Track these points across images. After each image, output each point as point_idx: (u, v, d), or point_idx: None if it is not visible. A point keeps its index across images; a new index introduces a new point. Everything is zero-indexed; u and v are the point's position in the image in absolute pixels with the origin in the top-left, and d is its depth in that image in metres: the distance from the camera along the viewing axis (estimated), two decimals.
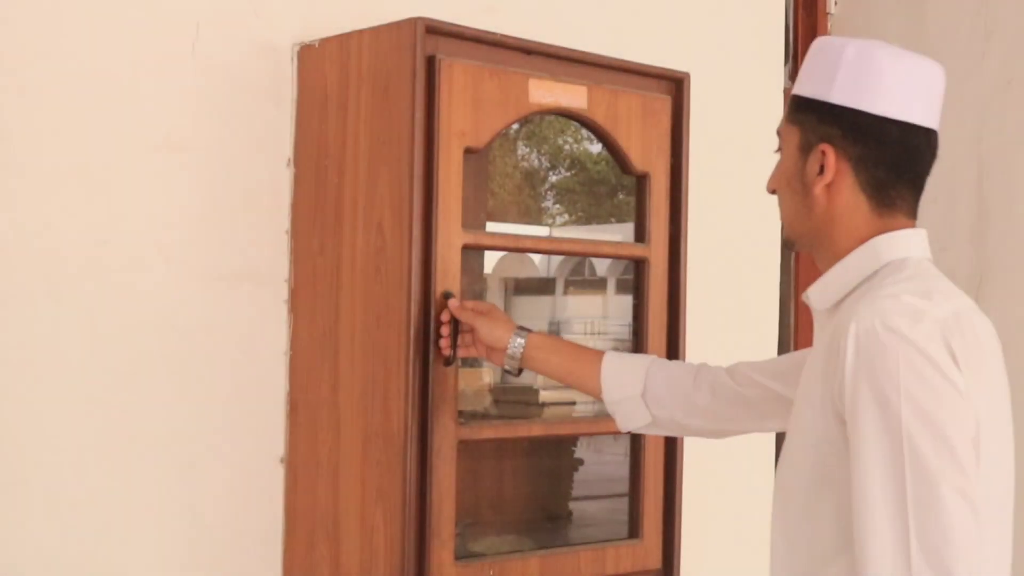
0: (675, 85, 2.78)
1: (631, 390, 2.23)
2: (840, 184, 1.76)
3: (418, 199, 2.34)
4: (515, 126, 2.71)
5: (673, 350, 2.71)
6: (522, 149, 3.16)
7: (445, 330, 2.32)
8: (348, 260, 2.46)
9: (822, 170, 1.76)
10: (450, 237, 2.38)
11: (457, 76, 2.40)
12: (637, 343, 2.74)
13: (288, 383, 2.59)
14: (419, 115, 2.34)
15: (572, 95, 2.58)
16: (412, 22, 2.36)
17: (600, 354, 2.30)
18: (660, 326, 2.72)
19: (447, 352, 2.31)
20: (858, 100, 1.73)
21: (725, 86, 3.36)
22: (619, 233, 2.90)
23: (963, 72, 3.55)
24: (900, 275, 1.71)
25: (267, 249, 2.58)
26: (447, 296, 2.34)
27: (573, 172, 3.24)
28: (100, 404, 2.39)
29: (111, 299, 2.40)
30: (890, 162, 1.75)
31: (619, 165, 2.73)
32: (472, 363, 2.59)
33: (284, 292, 2.60)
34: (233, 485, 2.55)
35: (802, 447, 1.73)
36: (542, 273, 3.35)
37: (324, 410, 2.50)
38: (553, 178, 3.27)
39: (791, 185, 1.81)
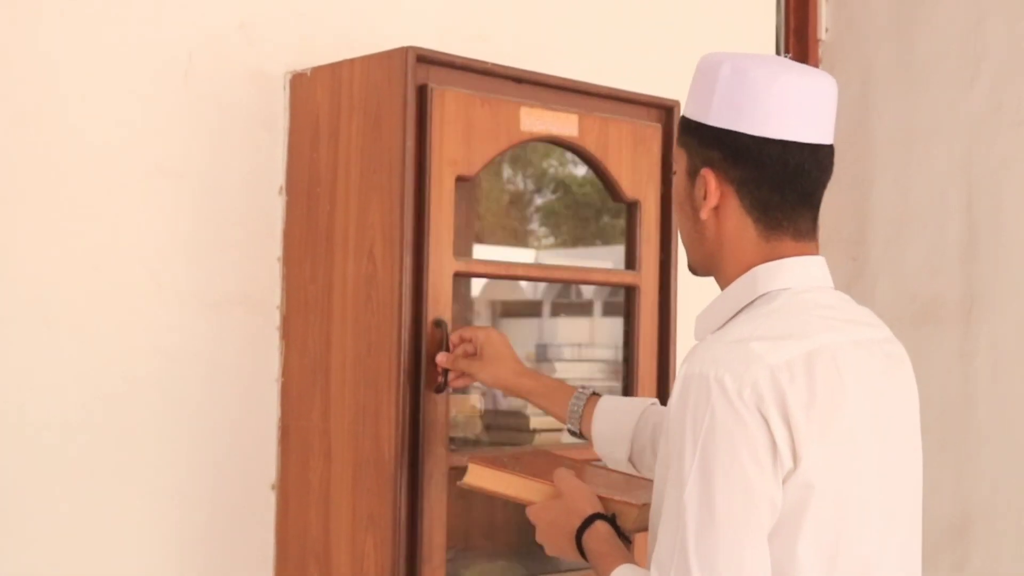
0: (665, 113, 2.80)
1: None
2: (726, 208, 1.71)
3: (409, 227, 2.35)
4: None
5: (663, 377, 2.72)
6: (507, 172, 3.18)
7: (440, 364, 2.32)
8: (339, 287, 2.47)
9: (707, 195, 1.71)
10: (441, 265, 2.39)
11: (448, 104, 2.41)
12: (627, 370, 2.75)
13: (280, 409, 2.60)
14: (410, 143, 2.36)
15: (563, 123, 2.59)
16: (403, 51, 2.37)
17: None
18: (650, 353, 2.73)
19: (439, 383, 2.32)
20: (735, 121, 1.67)
21: None
22: (606, 256, 2.92)
23: (953, 96, 3.58)
24: (763, 310, 1.66)
25: (259, 276, 2.59)
26: (439, 325, 2.34)
27: (558, 195, 3.26)
28: (92, 429, 2.39)
29: (103, 325, 2.41)
30: (773, 182, 1.68)
31: (609, 192, 2.75)
32: (463, 389, 2.60)
33: (276, 319, 2.61)
34: (225, 511, 2.55)
35: (659, 491, 1.69)
36: (529, 296, 3.36)
37: (315, 437, 2.50)
38: (539, 201, 3.29)
39: (683, 209, 1.76)
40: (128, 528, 2.44)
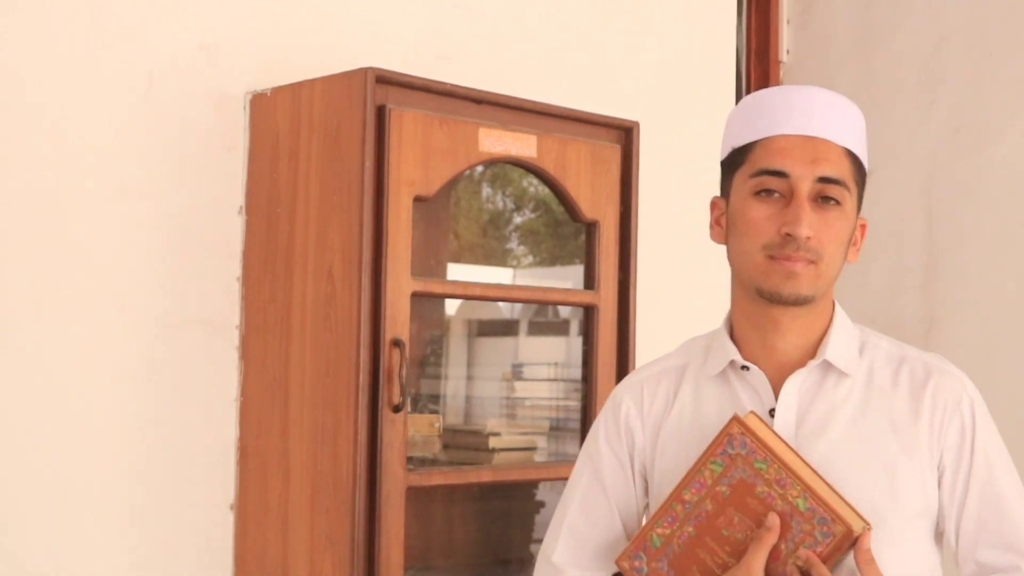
0: (624, 134, 2.82)
1: None
2: None
3: (367, 247, 2.37)
4: (479, 168, 2.74)
5: None
6: (487, 191, 3.18)
7: None
8: (298, 307, 2.47)
9: (863, 235, 1.81)
10: (399, 284, 2.40)
11: (407, 125, 2.42)
12: (586, 389, 2.76)
13: (238, 430, 2.60)
14: (369, 164, 2.37)
15: (521, 144, 2.61)
16: (362, 72, 2.38)
17: None
18: (609, 372, 2.75)
19: None
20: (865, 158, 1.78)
21: (675, 134, 3.39)
22: (582, 275, 2.92)
23: (912, 120, 3.61)
24: (873, 329, 1.82)
25: (219, 296, 2.60)
26: (397, 344, 2.35)
27: (537, 214, 3.27)
28: (50, 449, 2.39)
29: (64, 345, 2.41)
30: None
31: (568, 213, 2.77)
32: (422, 409, 2.60)
33: (235, 339, 2.61)
34: (183, 531, 2.55)
35: (910, 506, 1.69)
36: (506, 315, 3.36)
37: (274, 457, 2.51)
38: (518, 220, 3.29)
39: (844, 244, 1.76)
40: (86, 547, 2.43)
